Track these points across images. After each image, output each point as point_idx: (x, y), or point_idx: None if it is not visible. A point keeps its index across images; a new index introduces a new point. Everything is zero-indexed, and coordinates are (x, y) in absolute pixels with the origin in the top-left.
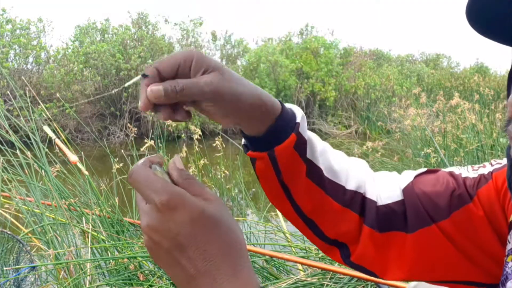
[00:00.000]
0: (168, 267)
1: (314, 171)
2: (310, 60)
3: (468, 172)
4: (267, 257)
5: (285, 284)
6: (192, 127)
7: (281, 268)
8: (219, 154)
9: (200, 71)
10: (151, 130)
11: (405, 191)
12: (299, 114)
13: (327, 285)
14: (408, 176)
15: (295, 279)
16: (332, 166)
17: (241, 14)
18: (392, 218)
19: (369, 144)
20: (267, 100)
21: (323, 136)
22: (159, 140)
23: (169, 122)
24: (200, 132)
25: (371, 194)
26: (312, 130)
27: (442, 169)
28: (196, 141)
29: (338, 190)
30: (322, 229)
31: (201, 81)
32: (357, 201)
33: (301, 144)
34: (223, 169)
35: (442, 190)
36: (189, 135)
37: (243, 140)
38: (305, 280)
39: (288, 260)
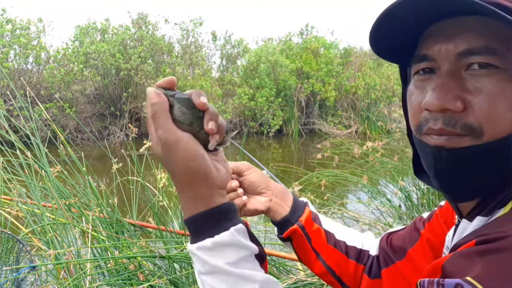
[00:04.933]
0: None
1: (329, 236)
2: (310, 60)
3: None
4: (267, 257)
5: (285, 284)
6: None
7: (281, 268)
8: None
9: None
10: None
11: (381, 240)
12: (304, 199)
13: (327, 285)
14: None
15: (295, 279)
16: (341, 232)
17: (241, 14)
18: (376, 264)
19: (369, 144)
20: (288, 196)
21: (323, 136)
22: None
23: None
24: None
25: (370, 249)
26: (312, 130)
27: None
28: None
29: (352, 249)
30: (343, 280)
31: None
32: (364, 256)
33: (316, 217)
34: None
35: (404, 232)
36: None
37: (276, 231)
38: (305, 280)
39: (287, 258)
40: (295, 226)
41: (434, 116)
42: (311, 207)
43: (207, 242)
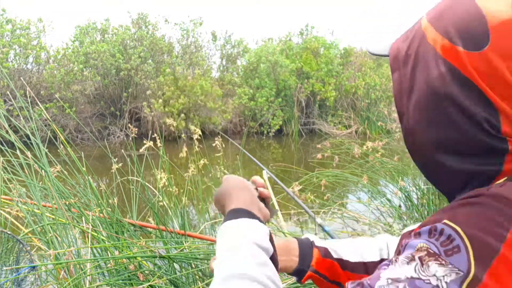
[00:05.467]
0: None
1: (344, 264)
2: (310, 60)
3: None
4: None
5: (285, 284)
6: (192, 127)
7: None
8: (219, 154)
9: None
10: (151, 130)
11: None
12: (310, 236)
13: None
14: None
15: (295, 279)
16: (356, 252)
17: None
18: None
19: (369, 144)
20: (293, 245)
21: (323, 136)
22: (158, 140)
23: (170, 122)
24: (200, 132)
25: (389, 254)
26: (312, 130)
27: None
28: (196, 141)
29: (371, 265)
30: None
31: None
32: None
33: (325, 251)
34: (223, 169)
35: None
36: (189, 135)
37: (294, 279)
38: None
39: None
40: (309, 272)
41: None
42: (318, 242)
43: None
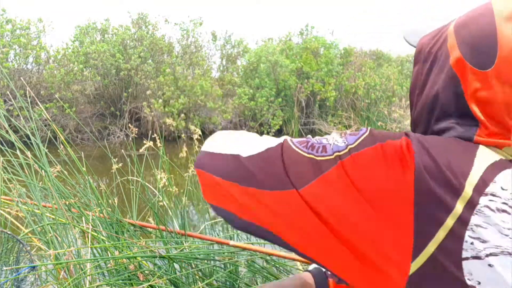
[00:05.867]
0: None
1: None
2: (310, 60)
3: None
4: (267, 257)
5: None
6: (192, 127)
7: (281, 268)
8: None
9: None
10: (151, 130)
11: None
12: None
13: None
14: None
15: None
16: None
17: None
18: None
19: None
20: (302, 279)
21: (323, 136)
22: (158, 140)
23: (170, 122)
24: (200, 132)
25: None
26: (312, 130)
27: None
28: (196, 141)
29: None
30: None
31: None
32: None
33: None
34: None
35: None
36: (189, 135)
37: None
38: None
39: (288, 258)
40: None
41: None
42: None
43: None
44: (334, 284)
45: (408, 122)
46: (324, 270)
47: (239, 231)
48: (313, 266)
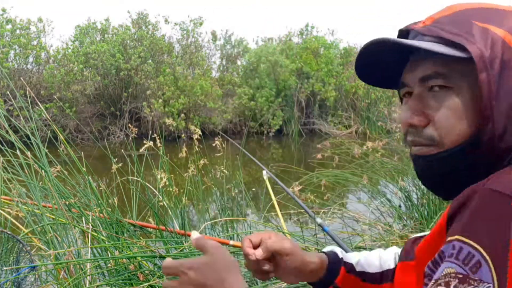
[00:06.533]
0: None
1: (364, 276)
2: (310, 60)
3: None
4: None
5: (285, 284)
6: (192, 127)
7: None
8: (219, 154)
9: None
10: (151, 130)
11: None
12: (338, 250)
13: None
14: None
15: None
16: (372, 264)
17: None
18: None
19: (369, 144)
20: (320, 258)
21: (323, 136)
22: (158, 140)
23: (170, 122)
24: (200, 132)
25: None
26: (312, 130)
27: None
28: (196, 141)
29: (378, 276)
30: None
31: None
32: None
33: (350, 266)
34: (223, 169)
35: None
36: (189, 135)
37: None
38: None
39: None
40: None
41: (409, 130)
42: (343, 256)
43: None
44: (344, 271)
45: None
46: (339, 255)
47: (239, 231)
48: (329, 248)
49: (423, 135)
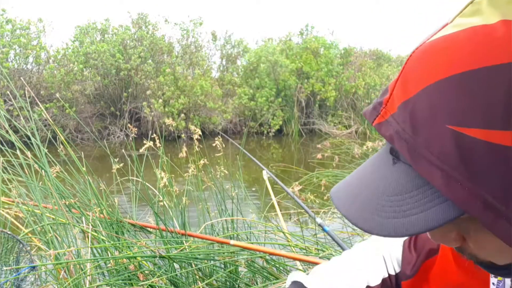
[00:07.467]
0: None
1: None
2: (310, 60)
3: None
4: (267, 257)
5: (285, 284)
6: (192, 127)
7: (281, 268)
8: (219, 154)
9: None
10: (151, 130)
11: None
12: (300, 277)
13: None
14: None
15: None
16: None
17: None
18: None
19: (369, 144)
20: None
21: (323, 136)
22: (158, 141)
23: (170, 122)
24: (200, 132)
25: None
26: (312, 130)
27: None
28: (196, 141)
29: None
30: None
31: None
32: (393, 281)
33: None
34: (223, 169)
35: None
36: (189, 135)
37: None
38: None
39: (288, 257)
40: None
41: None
42: (312, 285)
43: None
44: None
45: None
46: (307, 286)
47: (239, 231)
48: (293, 277)
49: (465, 252)
